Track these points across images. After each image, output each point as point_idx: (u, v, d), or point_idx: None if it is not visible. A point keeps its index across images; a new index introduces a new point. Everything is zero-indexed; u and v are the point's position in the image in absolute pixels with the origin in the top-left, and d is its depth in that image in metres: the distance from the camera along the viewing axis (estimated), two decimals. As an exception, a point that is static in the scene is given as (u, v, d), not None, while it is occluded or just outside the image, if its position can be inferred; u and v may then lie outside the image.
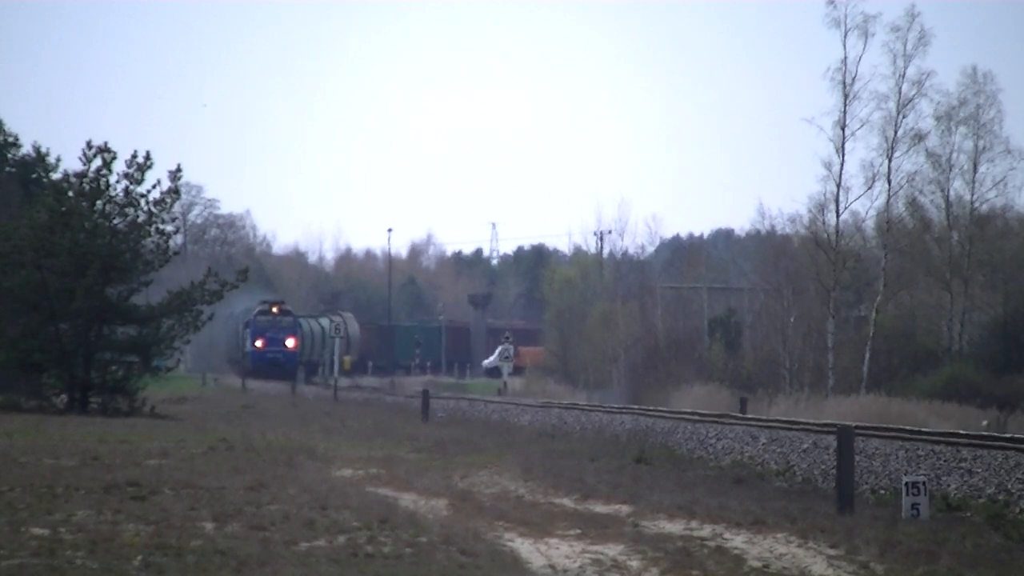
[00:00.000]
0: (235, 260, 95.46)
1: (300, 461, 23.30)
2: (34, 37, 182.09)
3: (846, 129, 55.26)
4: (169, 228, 42.03)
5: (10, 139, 56.34)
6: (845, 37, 55.13)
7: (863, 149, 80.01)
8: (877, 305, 55.57)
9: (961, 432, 26.64)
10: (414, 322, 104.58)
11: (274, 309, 78.71)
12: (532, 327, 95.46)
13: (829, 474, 22.12)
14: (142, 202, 40.15)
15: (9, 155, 55.99)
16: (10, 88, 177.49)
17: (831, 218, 56.52)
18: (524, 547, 14.27)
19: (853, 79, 55.11)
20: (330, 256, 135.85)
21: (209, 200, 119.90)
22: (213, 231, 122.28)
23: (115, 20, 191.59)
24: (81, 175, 40.07)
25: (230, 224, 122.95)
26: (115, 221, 40.24)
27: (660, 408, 40.91)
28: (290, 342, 77.76)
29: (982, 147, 56.04)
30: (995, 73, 69.18)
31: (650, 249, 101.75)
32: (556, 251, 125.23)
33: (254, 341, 77.50)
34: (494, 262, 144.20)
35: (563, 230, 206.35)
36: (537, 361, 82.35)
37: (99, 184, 39.90)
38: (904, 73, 54.98)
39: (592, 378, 73.60)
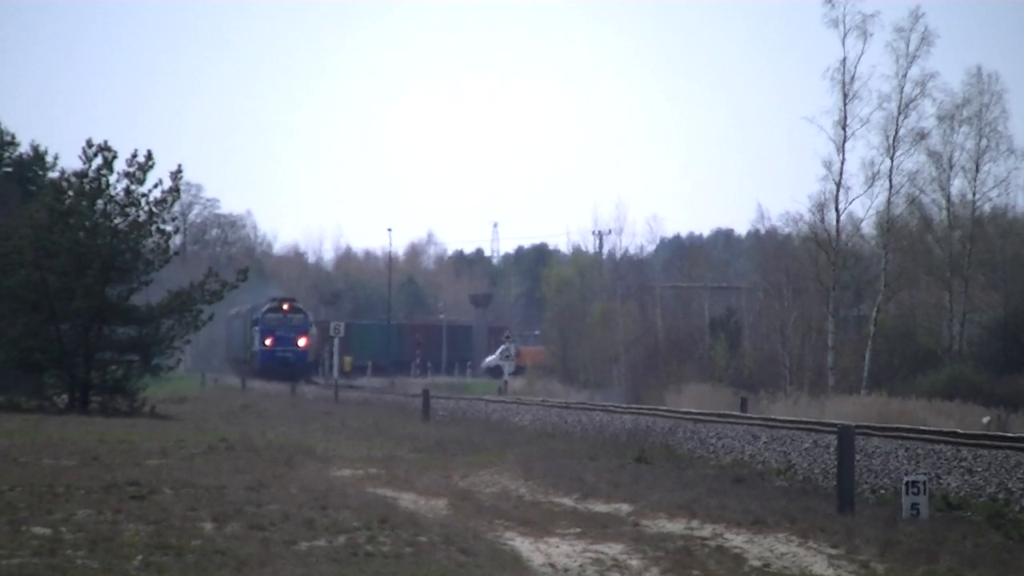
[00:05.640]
0: (235, 260, 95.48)
1: (300, 461, 23.32)
2: (30, 35, 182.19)
3: (846, 128, 55.29)
4: (169, 228, 42.07)
5: (7, 138, 56.25)
6: (844, 37, 55.16)
7: (864, 148, 79.91)
8: (877, 305, 55.57)
9: (961, 431, 26.61)
10: (372, 321, 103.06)
11: (284, 306, 76.36)
12: (503, 325, 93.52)
13: (829, 473, 22.11)
14: (143, 202, 40.16)
15: (6, 154, 55.93)
16: (6, 87, 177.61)
17: (831, 217, 56.55)
18: (524, 546, 14.26)
19: (852, 78, 55.15)
20: (330, 256, 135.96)
21: (209, 200, 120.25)
22: (213, 231, 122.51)
23: (114, 18, 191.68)
24: (81, 174, 40.05)
25: (230, 224, 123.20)
26: (115, 221, 40.24)
27: (660, 407, 40.89)
28: (301, 341, 75.66)
29: (984, 146, 56.04)
30: (1000, 73, 69.27)
31: (650, 249, 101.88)
32: (557, 251, 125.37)
33: (263, 340, 75.53)
34: (495, 262, 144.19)
35: (564, 229, 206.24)
36: (537, 361, 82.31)
37: (99, 183, 39.89)
38: (907, 73, 55.00)
39: (592, 378, 73.61)
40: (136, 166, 39.91)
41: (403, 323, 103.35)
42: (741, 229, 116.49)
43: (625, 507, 17.73)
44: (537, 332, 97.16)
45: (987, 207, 57.88)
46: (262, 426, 33.63)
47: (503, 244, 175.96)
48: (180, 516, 15.35)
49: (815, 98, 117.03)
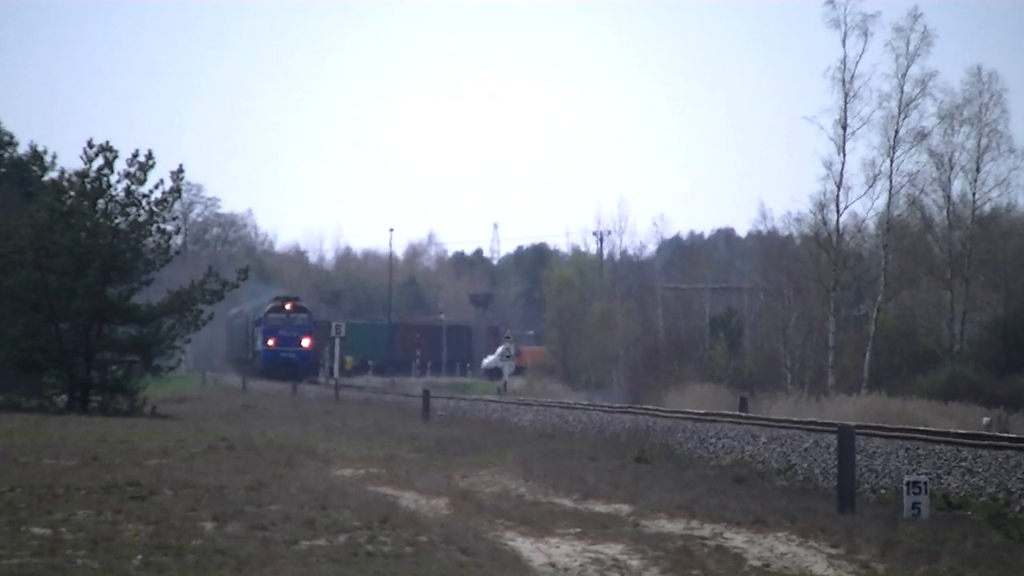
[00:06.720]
0: (236, 259, 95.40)
1: (300, 460, 23.31)
2: (30, 35, 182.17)
3: (847, 128, 55.33)
4: (170, 228, 42.07)
5: (5, 138, 56.19)
6: (844, 37, 55.24)
7: (864, 148, 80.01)
8: (878, 304, 55.60)
9: (962, 431, 26.62)
10: (373, 320, 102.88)
11: (287, 306, 75.57)
12: (502, 325, 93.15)
13: (830, 473, 22.11)
14: (143, 201, 40.15)
15: (5, 154, 55.87)
16: (6, 87, 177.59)
17: (832, 218, 56.57)
18: (524, 546, 14.25)
19: (852, 78, 55.23)
20: (330, 256, 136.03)
21: (210, 199, 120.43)
22: (214, 230, 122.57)
23: (114, 18, 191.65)
24: (82, 174, 40.04)
25: (231, 223, 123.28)
26: (116, 220, 40.23)
27: (660, 407, 40.88)
28: (305, 341, 74.73)
29: (985, 146, 56.04)
30: (1000, 73, 69.25)
31: (651, 248, 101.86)
32: (557, 251, 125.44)
33: (266, 340, 74.75)
34: (495, 262, 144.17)
35: (564, 230, 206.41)
36: (537, 361, 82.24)
37: (100, 183, 39.89)
38: (906, 72, 55.07)
39: (592, 378, 73.58)
40: (137, 166, 39.91)
41: (403, 323, 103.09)
42: (742, 229, 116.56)
43: (625, 507, 17.72)
44: (531, 332, 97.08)
45: (987, 207, 57.97)
46: (263, 426, 33.62)
47: (503, 244, 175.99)
48: (180, 516, 15.34)
49: (815, 98, 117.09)
